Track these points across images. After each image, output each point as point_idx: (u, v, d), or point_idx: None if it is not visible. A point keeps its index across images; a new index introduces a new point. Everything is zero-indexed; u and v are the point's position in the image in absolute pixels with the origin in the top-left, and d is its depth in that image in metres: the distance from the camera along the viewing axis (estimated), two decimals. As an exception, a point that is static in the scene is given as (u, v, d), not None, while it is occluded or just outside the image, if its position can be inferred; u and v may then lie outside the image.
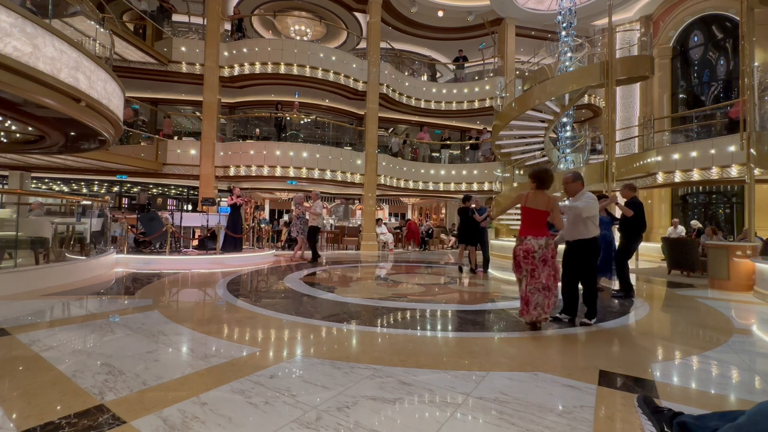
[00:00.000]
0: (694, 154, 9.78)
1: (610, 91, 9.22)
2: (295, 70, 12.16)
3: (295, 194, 9.29)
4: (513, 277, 7.39)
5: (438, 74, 17.35)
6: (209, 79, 11.93)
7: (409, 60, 17.10)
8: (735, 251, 6.18)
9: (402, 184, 14.56)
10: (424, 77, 16.48)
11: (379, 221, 13.60)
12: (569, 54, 11.22)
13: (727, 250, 6.30)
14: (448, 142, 16.23)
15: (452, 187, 14.94)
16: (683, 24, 12.76)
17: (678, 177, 10.14)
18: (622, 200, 5.64)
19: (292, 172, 11.91)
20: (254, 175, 11.90)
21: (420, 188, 14.96)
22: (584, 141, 12.46)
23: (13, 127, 7.04)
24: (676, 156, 10.18)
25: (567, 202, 3.88)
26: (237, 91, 13.93)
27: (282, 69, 12.11)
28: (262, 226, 11.91)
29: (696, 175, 9.75)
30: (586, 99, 13.70)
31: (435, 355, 2.84)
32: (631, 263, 6.13)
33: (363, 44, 15.77)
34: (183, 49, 11.95)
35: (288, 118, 13.23)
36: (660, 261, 10.46)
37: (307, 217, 8.93)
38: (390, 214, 22.90)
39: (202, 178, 11.86)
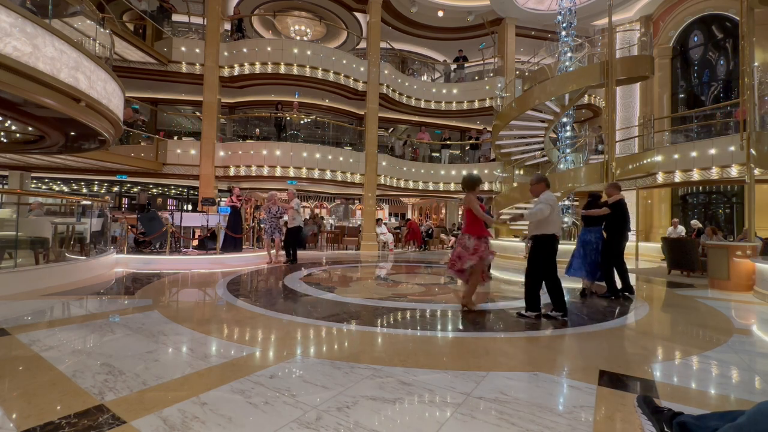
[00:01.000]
0: (694, 154, 9.79)
1: (610, 91, 9.22)
2: (295, 70, 12.15)
3: (269, 193, 9.05)
4: (513, 277, 7.43)
5: (438, 74, 17.35)
6: (209, 79, 11.92)
7: (409, 60, 17.09)
8: (735, 251, 6.19)
9: (402, 184, 14.55)
10: (424, 77, 16.46)
11: (379, 221, 13.58)
12: (569, 54, 11.20)
13: (727, 250, 6.30)
14: (448, 142, 16.20)
15: (452, 187, 14.92)
16: (683, 24, 12.74)
17: (678, 177, 10.15)
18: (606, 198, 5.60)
19: (292, 172, 11.91)
20: (254, 175, 11.89)
21: (420, 188, 14.95)
22: (584, 141, 12.44)
23: (13, 127, 7.03)
24: (676, 156, 10.19)
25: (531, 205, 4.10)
26: (237, 91, 13.92)
27: (282, 69, 12.09)
28: (262, 226, 11.88)
29: (696, 175, 9.77)
30: (586, 99, 13.67)
31: (435, 355, 2.84)
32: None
33: (363, 44, 15.75)
34: (183, 49, 11.95)
35: (288, 118, 13.20)
36: (660, 261, 10.45)
37: (287, 218, 8.50)
38: (390, 214, 22.89)
39: (202, 178, 11.86)
